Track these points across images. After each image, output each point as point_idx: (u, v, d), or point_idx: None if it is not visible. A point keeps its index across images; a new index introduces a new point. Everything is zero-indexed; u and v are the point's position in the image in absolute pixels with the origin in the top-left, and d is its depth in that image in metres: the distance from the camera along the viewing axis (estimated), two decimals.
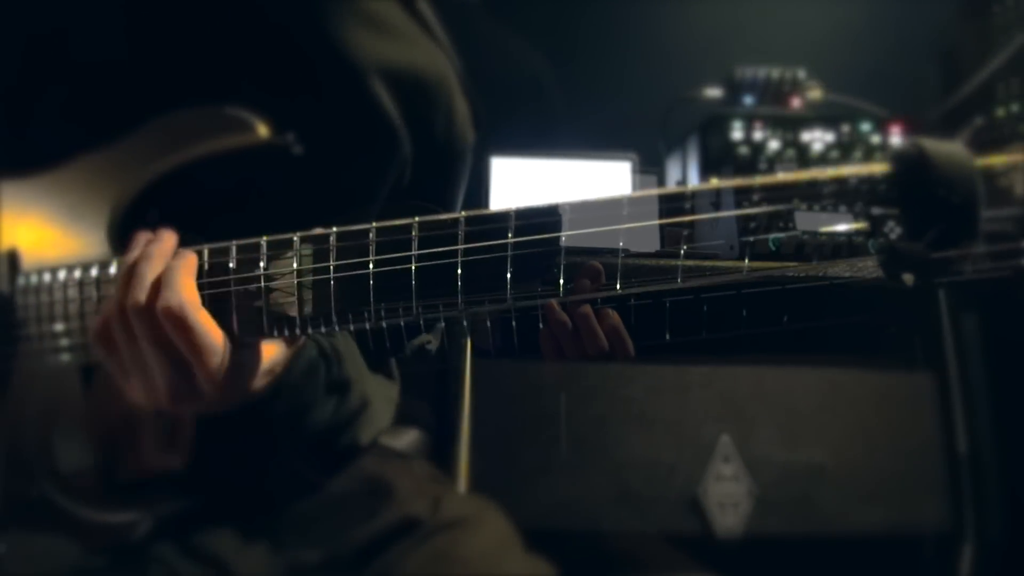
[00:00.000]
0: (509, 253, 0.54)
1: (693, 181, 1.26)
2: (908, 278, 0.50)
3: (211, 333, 0.57)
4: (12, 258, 0.68)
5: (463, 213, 0.55)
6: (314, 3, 0.75)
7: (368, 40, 0.76)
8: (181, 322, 0.56)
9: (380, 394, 0.77)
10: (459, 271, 0.54)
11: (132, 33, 0.73)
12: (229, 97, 0.69)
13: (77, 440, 0.65)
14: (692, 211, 0.52)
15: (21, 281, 0.68)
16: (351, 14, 0.76)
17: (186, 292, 0.56)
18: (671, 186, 1.31)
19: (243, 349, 0.59)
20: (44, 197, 0.69)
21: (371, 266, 0.56)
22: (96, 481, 0.65)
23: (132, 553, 0.66)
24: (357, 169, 0.76)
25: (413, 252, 0.55)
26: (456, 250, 0.54)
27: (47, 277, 0.67)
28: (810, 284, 0.51)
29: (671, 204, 0.53)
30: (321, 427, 0.71)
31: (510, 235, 0.53)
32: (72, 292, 0.65)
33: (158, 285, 0.57)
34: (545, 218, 0.54)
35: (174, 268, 0.57)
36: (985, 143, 0.49)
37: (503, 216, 0.54)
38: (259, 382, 0.63)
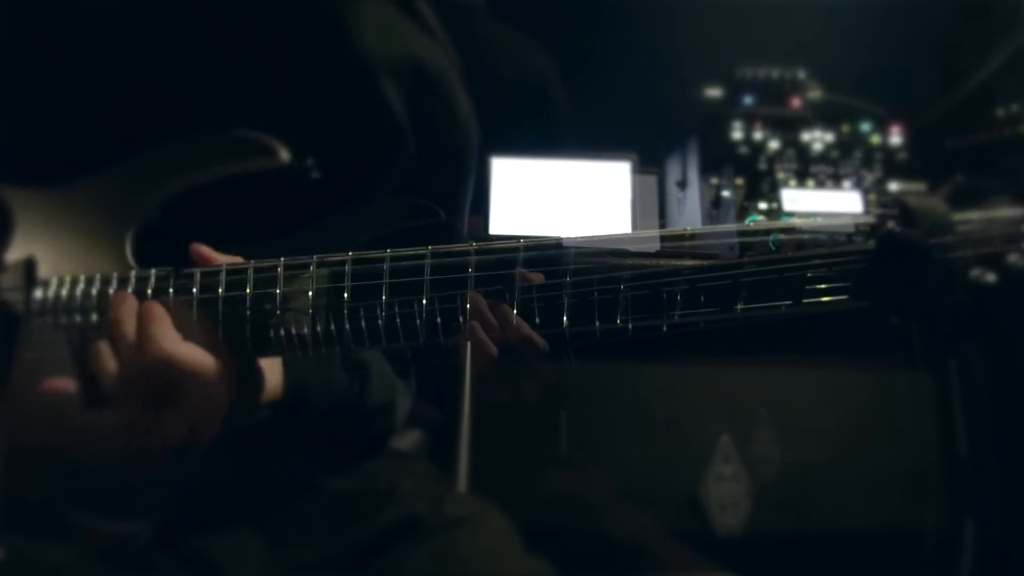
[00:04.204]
0: (517, 285, 0.58)
1: (693, 181, 1.26)
2: (893, 317, 0.52)
3: (200, 359, 0.60)
4: (29, 266, 0.68)
5: (473, 244, 0.60)
6: (321, 11, 0.75)
7: (374, 43, 0.77)
8: (169, 363, 0.59)
9: (398, 383, 0.79)
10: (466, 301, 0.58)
11: (146, 48, 0.73)
12: (238, 105, 0.71)
13: (79, 447, 0.65)
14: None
15: (38, 290, 0.68)
16: (356, 19, 0.76)
17: (165, 341, 0.60)
18: (672, 183, 1.32)
19: (239, 363, 0.62)
20: (62, 211, 0.70)
21: (384, 291, 0.60)
22: (97, 488, 0.65)
23: (132, 560, 0.66)
24: (363, 170, 0.77)
25: (425, 278, 0.59)
26: (464, 278, 0.59)
27: (65, 287, 0.67)
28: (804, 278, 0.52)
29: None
30: (353, 411, 0.73)
31: (518, 268, 0.58)
32: (90, 303, 0.66)
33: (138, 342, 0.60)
34: (552, 251, 0.58)
35: (144, 323, 0.60)
36: (964, 198, 0.51)
37: (511, 248, 0.59)
38: (270, 391, 0.65)
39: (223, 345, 0.61)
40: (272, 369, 0.65)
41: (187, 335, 0.61)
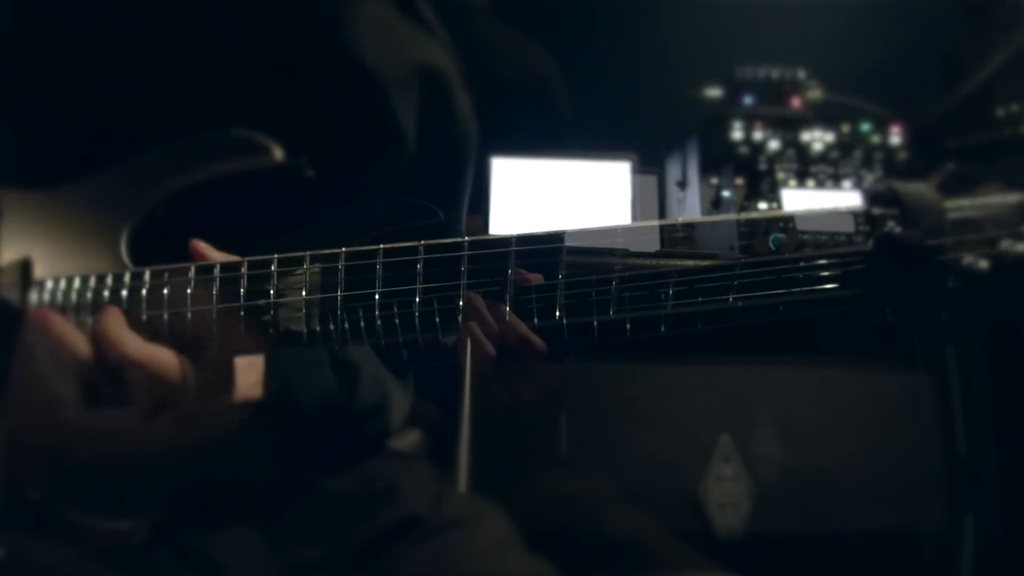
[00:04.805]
0: (510, 278, 0.57)
1: (693, 181, 1.26)
2: (890, 316, 0.51)
3: (159, 354, 0.61)
4: (25, 266, 0.69)
5: (466, 238, 0.59)
6: (320, 12, 0.75)
7: (374, 43, 0.77)
8: (126, 359, 0.60)
9: (396, 384, 0.78)
10: (460, 299, 0.58)
11: (147, 53, 0.73)
12: (236, 108, 0.71)
13: (78, 445, 0.65)
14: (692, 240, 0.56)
15: (34, 290, 0.68)
16: (356, 19, 0.76)
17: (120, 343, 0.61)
18: (672, 183, 1.32)
19: (208, 360, 0.62)
20: (58, 212, 0.70)
21: (377, 284, 0.59)
22: (95, 487, 0.65)
23: (131, 559, 0.66)
24: (362, 170, 0.77)
25: (419, 275, 0.59)
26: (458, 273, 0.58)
27: (61, 287, 0.67)
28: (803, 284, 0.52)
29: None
30: (343, 412, 0.72)
31: (510, 267, 0.58)
32: (86, 302, 0.66)
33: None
34: (546, 244, 0.58)
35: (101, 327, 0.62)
36: (955, 186, 0.51)
37: (504, 241, 0.58)
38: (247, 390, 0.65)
39: (189, 346, 0.61)
40: (252, 369, 0.65)
41: (149, 337, 0.61)
